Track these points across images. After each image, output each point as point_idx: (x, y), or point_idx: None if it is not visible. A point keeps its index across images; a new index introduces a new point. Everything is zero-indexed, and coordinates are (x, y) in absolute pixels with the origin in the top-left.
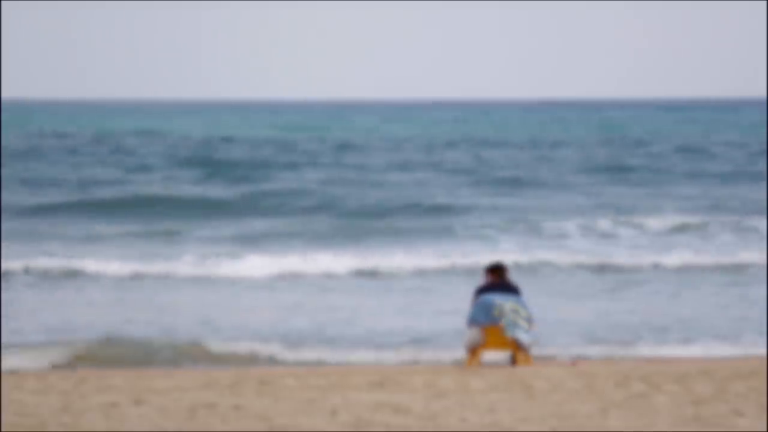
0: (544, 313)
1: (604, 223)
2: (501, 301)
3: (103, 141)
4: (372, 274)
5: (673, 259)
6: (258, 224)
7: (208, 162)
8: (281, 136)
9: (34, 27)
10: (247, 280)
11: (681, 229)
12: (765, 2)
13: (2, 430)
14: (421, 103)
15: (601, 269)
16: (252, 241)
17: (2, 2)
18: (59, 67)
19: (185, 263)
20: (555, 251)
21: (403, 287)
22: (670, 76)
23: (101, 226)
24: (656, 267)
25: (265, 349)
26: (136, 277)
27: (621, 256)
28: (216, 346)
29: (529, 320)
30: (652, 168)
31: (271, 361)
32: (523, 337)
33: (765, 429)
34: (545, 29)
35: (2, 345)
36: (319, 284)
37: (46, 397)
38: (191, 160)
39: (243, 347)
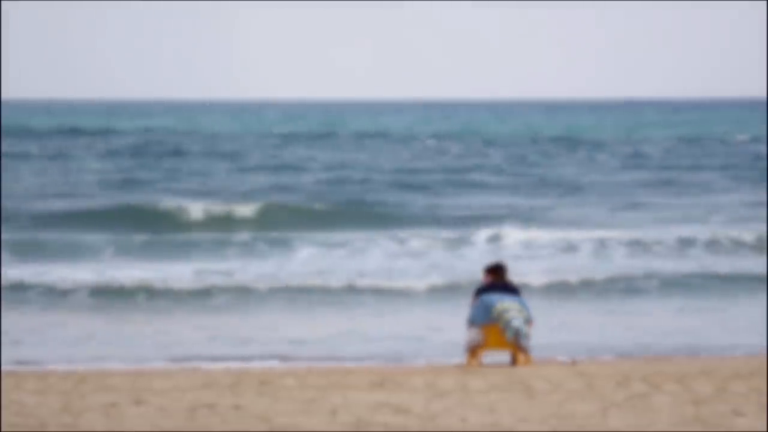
0: None
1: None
2: (500, 301)
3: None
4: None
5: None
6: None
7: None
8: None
9: (34, 27)
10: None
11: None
12: (765, 2)
13: (2, 430)
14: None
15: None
16: None
17: (2, 2)
18: (59, 67)
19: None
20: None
21: None
22: (666, 76)
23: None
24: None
25: None
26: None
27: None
28: None
29: (528, 320)
30: None
31: None
32: (522, 341)
33: (765, 429)
34: (542, 29)
35: None
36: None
37: (46, 397)
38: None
39: None
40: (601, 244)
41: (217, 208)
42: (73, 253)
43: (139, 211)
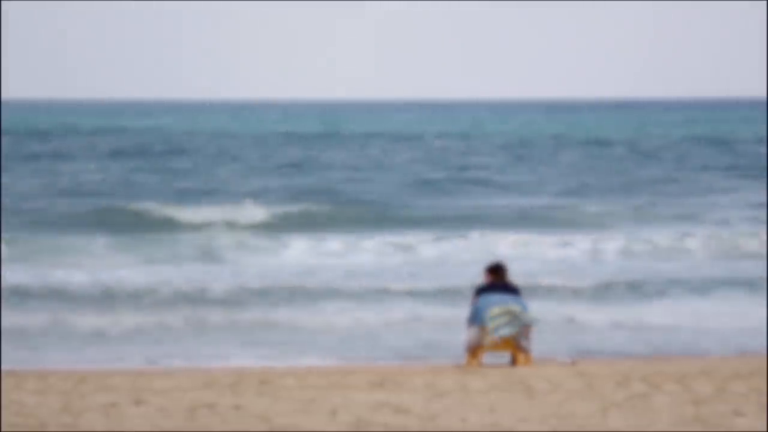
0: None
1: None
2: (499, 303)
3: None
4: None
5: None
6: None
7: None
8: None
9: (34, 27)
10: None
11: None
12: (765, 2)
13: (2, 430)
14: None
15: None
16: None
17: (2, 2)
18: (59, 67)
19: None
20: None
21: None
22: (666, 76)
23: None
24: None
25: None
26: None
27: None
28: None
29: (527, 322)
30: None
31: None
32: (513, 330)
33: (765, 429)
34: (540, 28)
35: None
36: None
37: (46, 397)
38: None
39: None
40: (601, 245)
41: (219, 209)
42: (72, 254)
43: (140, 212)
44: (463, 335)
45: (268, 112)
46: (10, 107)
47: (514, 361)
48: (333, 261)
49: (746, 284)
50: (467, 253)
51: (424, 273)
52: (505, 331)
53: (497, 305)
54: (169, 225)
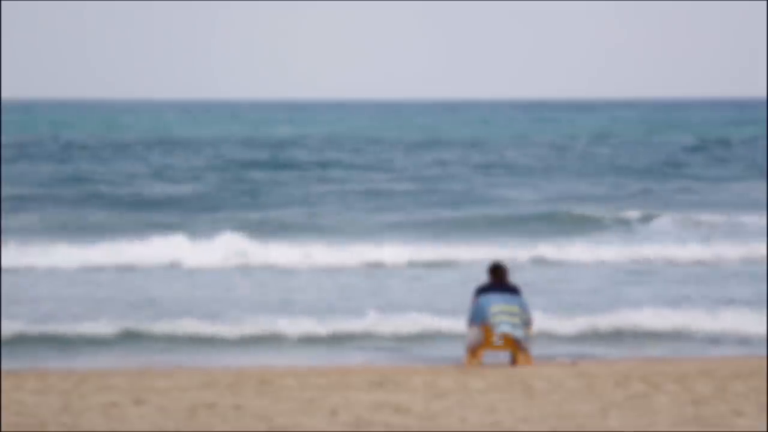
0: None
1: None
2: (498, 303)
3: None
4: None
5: None
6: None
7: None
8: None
9: (34, 27)
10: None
11: None
12: (765, 2)
13: (2, 430)
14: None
15: None
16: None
17: (2, 2)
18: (59, 67)
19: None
20: None
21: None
22: (665, 76)
23: None
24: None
25: None
26: None
27: None
28: None
29: (527, 322)
30: None
31: None
32: (513, 331)
33: (765, 429)
34: (540, 27)
35: None
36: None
37: (46, 397)
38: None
39: None
40: (603, 246)
41: (222, 213)
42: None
43: (145, 217)
44: (463, 335)
45: (271, 112)
46: (10, 108)
47: (514, 361)
48: (331, 264)
49: (746, 284)
50: (469, 255)
51: (425, 275)
52: (506, 329)
53: (497, 304)
54: (175, 229)
